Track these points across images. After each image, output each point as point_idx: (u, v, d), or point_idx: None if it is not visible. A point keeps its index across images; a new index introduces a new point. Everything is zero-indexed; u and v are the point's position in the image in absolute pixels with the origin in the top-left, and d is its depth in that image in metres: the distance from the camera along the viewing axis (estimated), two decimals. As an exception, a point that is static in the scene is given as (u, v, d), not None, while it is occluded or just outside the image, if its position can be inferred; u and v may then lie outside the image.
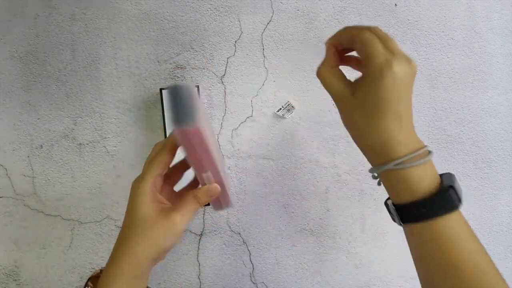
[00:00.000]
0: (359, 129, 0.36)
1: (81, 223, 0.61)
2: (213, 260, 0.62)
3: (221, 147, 0.62)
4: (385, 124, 0.34)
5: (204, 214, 0.62)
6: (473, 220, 0.66)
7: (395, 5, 0.66)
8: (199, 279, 0.62)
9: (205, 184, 0.38)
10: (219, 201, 0.41)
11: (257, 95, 0.63)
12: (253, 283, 0.62)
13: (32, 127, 0.61)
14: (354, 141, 0.38)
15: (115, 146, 0.62)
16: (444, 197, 0.33)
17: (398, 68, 0.33)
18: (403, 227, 0.37)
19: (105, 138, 0.62)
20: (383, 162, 0.35)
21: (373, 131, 0.35)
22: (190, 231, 0.61)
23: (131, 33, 0.63)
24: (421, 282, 0.37)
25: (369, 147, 0.36)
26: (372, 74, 0.34)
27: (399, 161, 0.34)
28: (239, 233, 0.63)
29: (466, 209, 0.66)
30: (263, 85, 0.63)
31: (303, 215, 0.63)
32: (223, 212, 0.62)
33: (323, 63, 0.38)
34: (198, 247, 0.62)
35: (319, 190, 0.64)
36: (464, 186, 0.66)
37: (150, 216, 0.36)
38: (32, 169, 0.61)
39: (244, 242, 0.63)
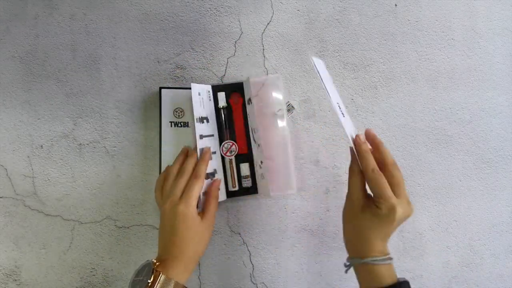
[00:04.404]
0: (358, 232, 0.49)
1: (81, 223, 0.61)
2: (213, 260, 0.62)
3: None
4: (377, 238, 0.48)
5: (204, 214, 0.62)
6: (473, 220, 0.66)
7: (395, 5, 0.66)
8: (199, 279, 0.62)
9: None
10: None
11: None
12: (253, 283, 0.62)
13: (32, 127, 0.61)
14: (344, 232, 0.52)
15: (115, 146, 0.62)
16: (399, 286, 0.46)
17: (401, 211, 0.45)
18: None
19: (105, 138, 0.62)
20: (362, 256, 0.48)
21: (367, 237, 0.48)
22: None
23: (131, 33, 0.63)
24: None
25: (356, 244, 0.50)
26: (382, 211, 0.46)
27: (375, 258, 0.47)
28: (239, 233, 0.63)
29: (466, 209, 0.66)
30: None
31: (303, 215, 0.63)
32: (223, 212, 0.62)
33: (357, 183, 0.50)
34: (198, 247, 0.62)
35: (319, 190, 0.64)
36: (464, 186, 0.66)
37: (201, 229, 0.52)
38: (32, 169, 0.61)
39: (244, 243, 0.63)
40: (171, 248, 0.51)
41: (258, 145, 0.58)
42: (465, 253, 0.66)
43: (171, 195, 0.52)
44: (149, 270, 0.48)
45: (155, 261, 0.49)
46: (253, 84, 0.60)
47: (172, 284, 0.48)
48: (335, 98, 0.51)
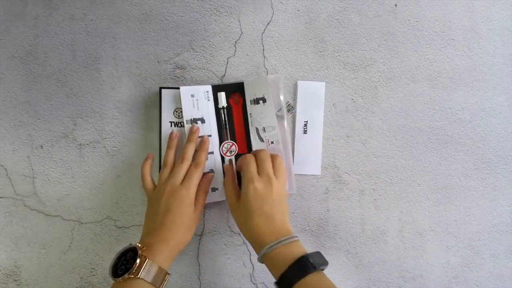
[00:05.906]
0: (243, 227, 0.52)
1: (81, 223, 0.61)
2: (213, 260, 0.62)
3: (221, 147, 0.62)
4: (254, 222, 0.50)
5: (204, 214, 0.62)
6: (473, 220, 0.66)
7: (395, 5, 0.66)
8: (199, 279, 0.61)
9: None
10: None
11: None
12: (253, 283, 0.62)
13: (32, 127, 0.61)
14: (243, 233, 0.53)
15: (115, 146, 0.62)
16: (299, 264, 0.46)
17: (257, 184, 0.50)
18: None
19: (105, 138, 0.62)
20: (260, 249, 0.49)
21: (249, 227, 0.50)
22: (190, 231, 0.61)
23: (131, 33, 0.63)
24: None
25: (251, 240, 0.51)
26: (243, 188, 0.51)
27: (267, 246, 0.48)
28: (239, 233, 0.63)
29: (466, 209, 0.66)
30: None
31: (303, 215, 0.63)
32: (223, 212, 0.62)
33: (227, 180, 0.56)
34: (198, 247, 0.62)
35: (319, 190, 0.64)
36: (464, 186, 0.66)
37: (193, 217, 0.53)
38: (32, 169, 0.61)
39: (244, 242, 0.63)
40: (160, 231, 0.50)
41: (272, 142, 0.60)
42: (465, 253, 0.66)
43: (172, 180, 0.53)
44: (134, 254, 0.47)
45: (140, 245, 0.48)
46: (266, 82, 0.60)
47: (156, 269, 0.47)
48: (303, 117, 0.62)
